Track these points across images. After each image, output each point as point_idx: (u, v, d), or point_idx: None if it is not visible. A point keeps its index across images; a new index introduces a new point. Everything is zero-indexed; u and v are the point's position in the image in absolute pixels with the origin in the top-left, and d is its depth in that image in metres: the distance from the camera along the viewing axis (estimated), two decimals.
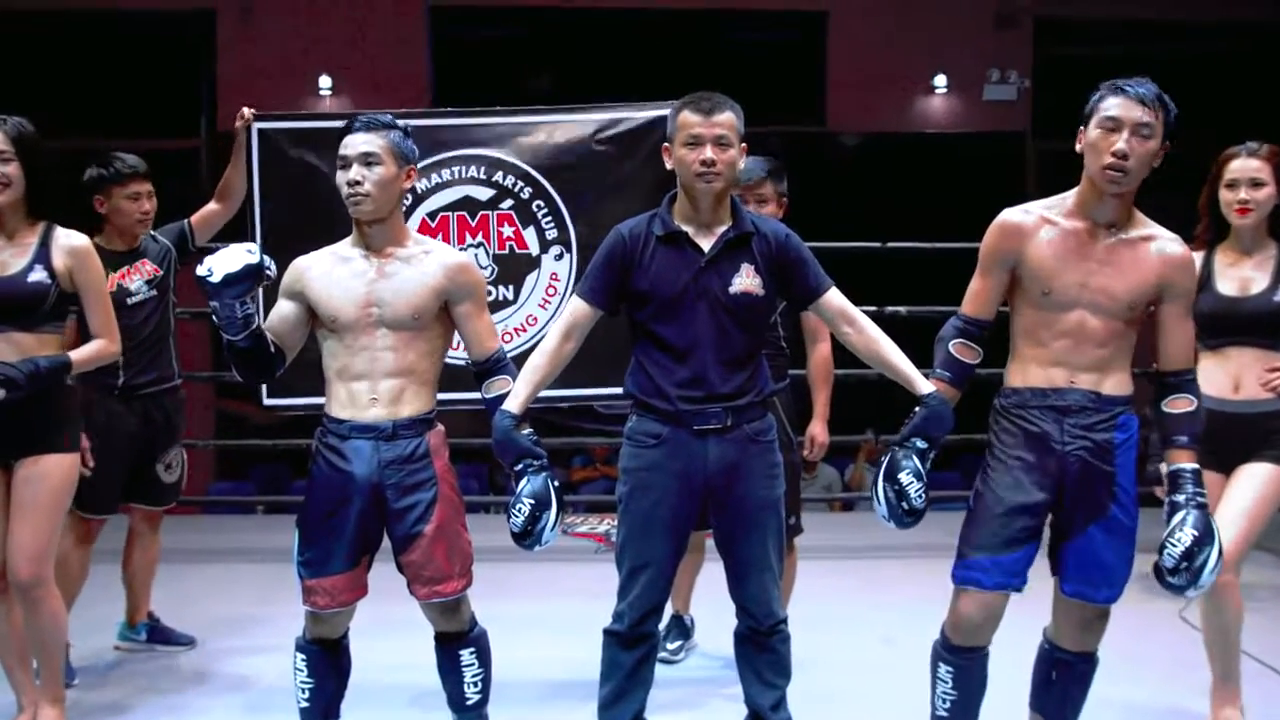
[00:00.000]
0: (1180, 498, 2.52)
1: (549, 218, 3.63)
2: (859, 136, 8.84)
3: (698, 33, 8.63)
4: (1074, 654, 2.64)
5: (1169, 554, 2.47)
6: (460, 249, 3.50)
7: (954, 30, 8.39)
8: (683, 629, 3.88)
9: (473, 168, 3.61)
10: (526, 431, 2.68)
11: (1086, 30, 8.37)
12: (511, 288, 3.63)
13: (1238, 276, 3.00)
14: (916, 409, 2.60)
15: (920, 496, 2.55)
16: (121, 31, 8.47)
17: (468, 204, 3.61)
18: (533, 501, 2.62)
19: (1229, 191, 2.98)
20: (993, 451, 2.61)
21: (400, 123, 2.78)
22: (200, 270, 2.64)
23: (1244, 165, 2.97)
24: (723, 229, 2.68)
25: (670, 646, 3.81)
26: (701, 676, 3.68)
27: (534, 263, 3.65)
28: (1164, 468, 2.60)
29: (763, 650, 2.78)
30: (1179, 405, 2.57)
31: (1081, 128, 2.51)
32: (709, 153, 2.61)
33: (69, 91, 8.29)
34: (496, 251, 3.62)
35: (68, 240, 2.97)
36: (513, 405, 2.68)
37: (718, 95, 2.67)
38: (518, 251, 3.62)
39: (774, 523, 2.74)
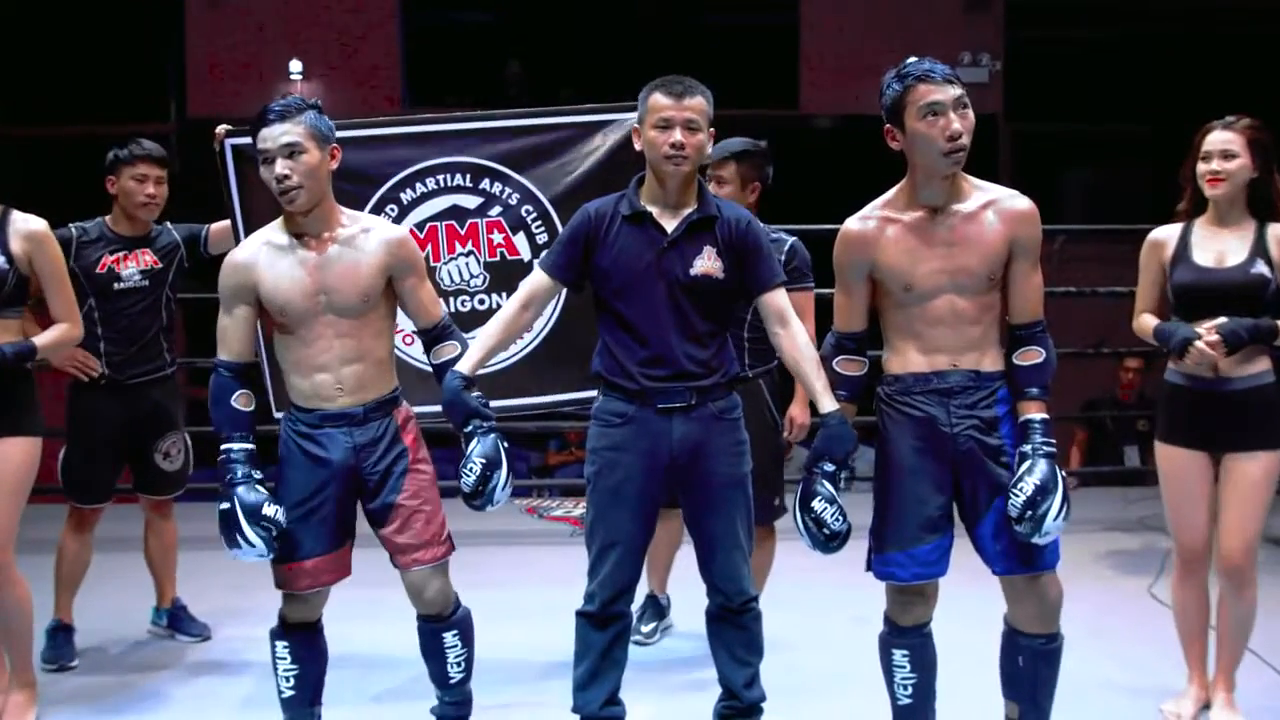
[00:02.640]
0: (1028, 447, 2.53)
1: (539, 222, 3.60)
2: (832, 119, 8.85)
3: (670, 16, 8.61)
4: (1036, 635, 2.62)
5: (1013, 503, 2.48)
6: (450, 258, 3.51)
7: (925, 13, 8.40)
8: (658, 609, 3.89)
9: (458, 175, 3.56)
10: (476, 394, 2.69)
11: (1056, 12, 8.40)
12: (505, 295, 3.53)
13: (1214, 249, 3.01)
14: (819, 431, 2.64)
15: (838, 519, 2.59)
16: (89, 15, 8.37)
17: (456, 213, 3.56)
18: (483, 461, 2.64)
19: (1203, 163, 3.00)
20: (884, 442, 2.63)
21: (313, 101, 2.73)
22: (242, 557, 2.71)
23: (1218, 137, 2.99)
24: (688, 211, 2.70)
25: (644, 629, 3.82)
26: (675, 655, 3.70)
27: (526, 268, 3.57)
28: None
29: (734, 628, 2.80)
30: (1029, 357, 2.59)
31: (889, 125, 2.52)
32: (679, 136, 2.63)
33: (36, 76, 8.19)
34: (487, 259, 3.57)
35: (25, 224, 2.94)
36: (464, 367, 2.70)
37: (688, 79, 2.69)
38: (509, 258, 3.58)
39: (741, 500, 2.77)
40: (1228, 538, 2.99)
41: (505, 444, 2.69)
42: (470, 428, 2.68)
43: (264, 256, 2.74)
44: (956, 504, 2.61)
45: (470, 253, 3.59)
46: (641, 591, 3.91)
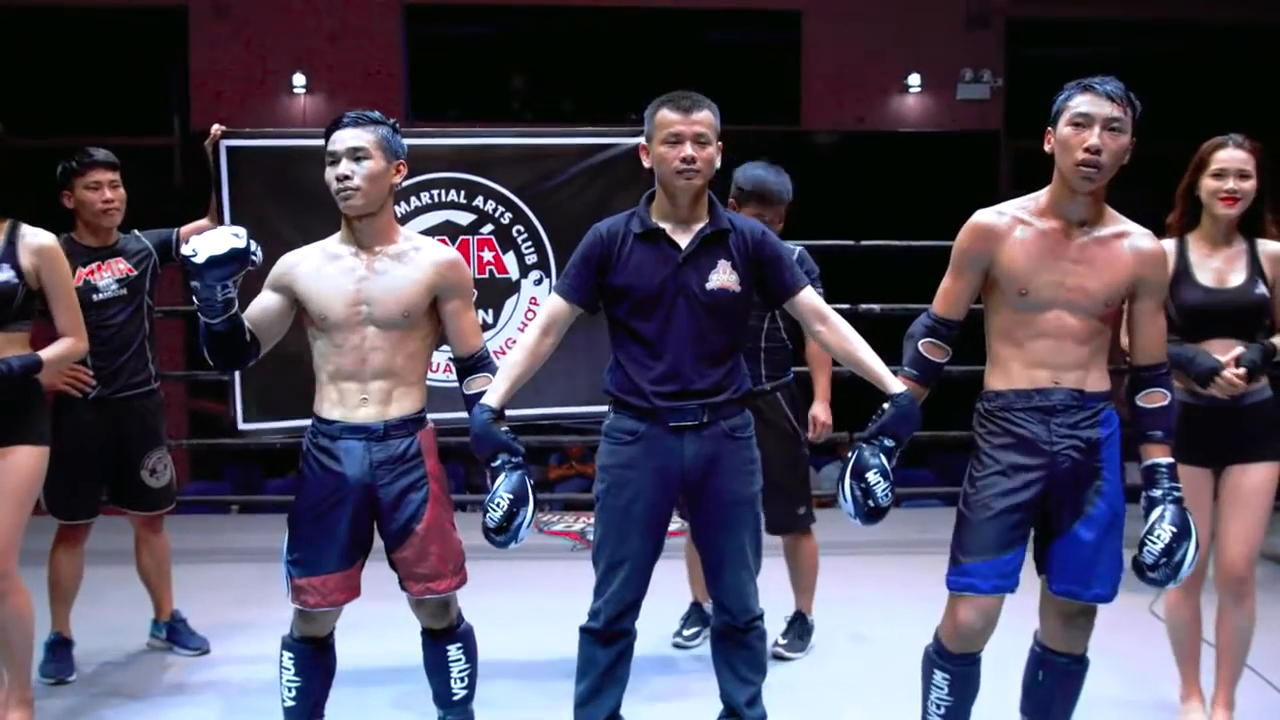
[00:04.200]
0: (1157, 493, 2.53)
1: (529, 243, 3.64)
2: (833, 135, 8.88)
3: (672, 31, 8.64)
4: (1063, 655, 2.63)
5: (1149, 550, 2.48)
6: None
7: (927, 30, 8.44)
8: (701, 616, 3.91)
9: (453, 192, 3.61)
10: (504, 428, 2.69)
11: (1057, 30, 8.44)
12: (491, 312, 3.64)
13: (1212, 268, 3.00)
14: (885, 406, 2.61)
15: (887, 495, 2.56)
16: (95, 28, 8.40)
17: (448, 228, 3.61)
18: (511, 498, 2.62)
19: (1215, 180, 2.97)
20: (979, 456, 2.60)
21: (391, 120, 2.78)
22: (185, 250, 2.62)
23: (1232, 156, 2.96)
24: (700, 226, 2.70)
25: (686, 633, 3.91)
26: (677, 672, 3.69)
27: (513, 287, 3.67)
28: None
29: (739, 646, 2.80)
30: (1154, 399, 2.58)
31: (1050, 128, 2.52)
32: (689, 150, 2.63)
33: (41, 89, 8.22)
34: (476, 276, 3.59)
35: (35, 239, 2.95)
36: (491, 400, 2.69)
37: (695, 94, 2.69)
38: (497, 276, 3.64)
39: (750, 519, 2.76)
40: (1230, 547, 2.98)
41: (531, 480, 2.68)
42: (498, 462, 2.66)
43: (313, 260, 2.77)
44: (1044, 517, 2.59)
45: None
46: (686, 599, 3.97)
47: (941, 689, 2.63)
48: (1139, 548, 2.51)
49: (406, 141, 3.51)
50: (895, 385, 2.61)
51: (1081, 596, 2.56)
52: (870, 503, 2.56)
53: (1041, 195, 2.58)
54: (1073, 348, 2.53)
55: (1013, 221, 2.56)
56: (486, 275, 3.62)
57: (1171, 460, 2.57)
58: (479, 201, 3.62)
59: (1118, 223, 2.57)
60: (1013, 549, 2.53)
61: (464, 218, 3.62)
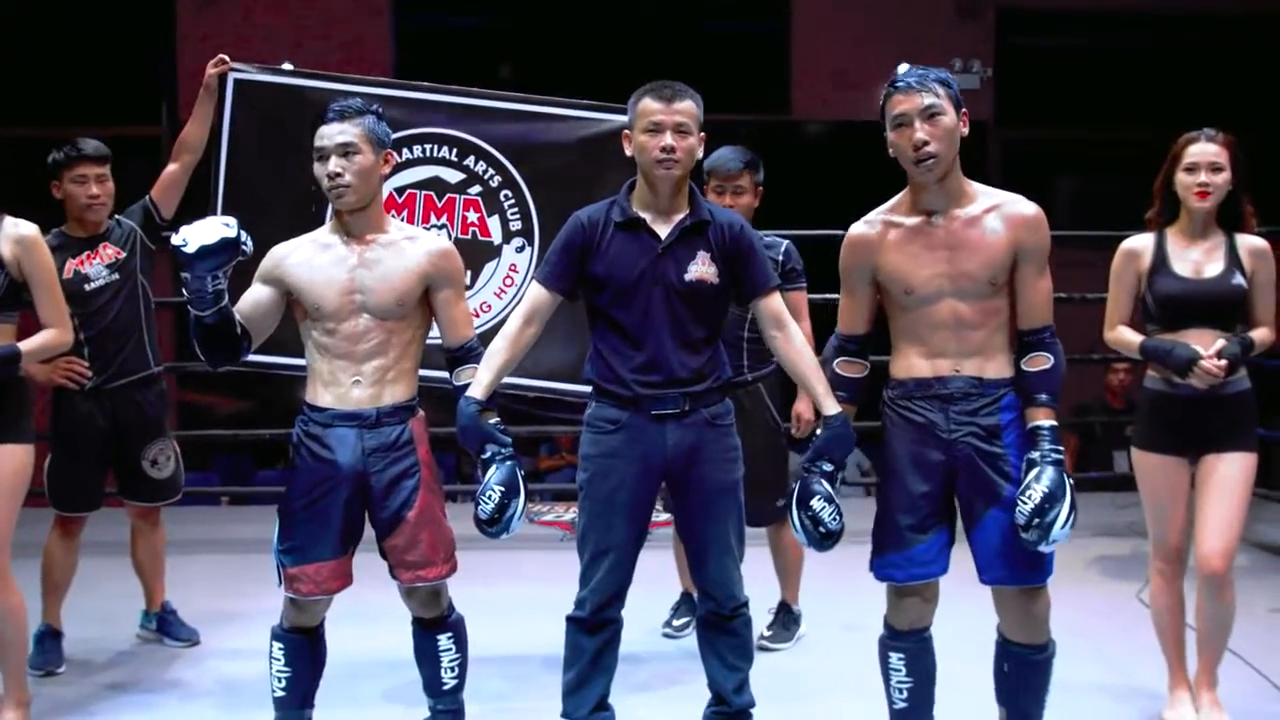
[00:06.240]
0: (1036, 454, 2.52)
1: (515, 208, 3.63)
2: (824, 125, 8.87)
3: (663, 22, 8.62)
4: (1023, 645, 2.63)
5: (1020, 511, 2.47)
6: (424, 229, 3.50)
7: (916, 19, 8.42)
8: (691, 606, 3.91)
9: (445, 149, 3.61)
10: (494, 420, 2.69)
11: (1048, 20, 8.43)
12: (469, 273, 3.61)
13: (1189, 260, 3.03)
14: (818, 431, 2.66)
15: (834, 519, 2.60)
16: (80, 17, 8.35)
17: (436, 184, 3.61)
18: (502, 489, 2.64)
19: (1188, 175, 3.00)
20: (885, 445, 2.65)
21: (373, 107, 2.78)
22: (175, 240, 2.61)
23: (1203, 150, 2.99)
24: (680, 216, 2.70)
25: (676, 623, 3.92)
26: (666, 661, 3.70)
27: (495, 251, 3.66)
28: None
29: (725, 633, 2.81)
30: (1037, 363, 2.58)
31: (886, 134, 2.56)
32: (669, 140, 2.63)
33: (26, 79, 8.17)
34: (459, 236, 3.61)
35: (15, 229, 2.92)
36: (477, 391, 2.69)
37: (678, 84, 2.70)
38: (480, 239, 3.63)
39: (733, 506, 2.77)
40: (1209, 540, 2.98)
41: (522, 471, 2.69)
42: (488, 454, 2.68)
43: (304, 252, 2.77)
44: (959, 508, 2.61)
45: (443, 226, 3.63)
46: (675, 589, 3.98)
47: (900, 671, 2.66)
48: (1000, 510, 2.52)
49: (408, 95, 3.51)
50: (830, 407, 2.65)
51: (1010, 582, 2.56)
52: (820, 530, 2.60)
53: (902, 195, 2.62)
54: (970, 334, 2.56)
55: (884, 227, 2.60)
56: (469, 236, 3.61)
57: (1054, 424, 2.55)
58: (470, 161, 3.61)
59: (986, 198, 2.58)
60: (927, 536, 2.57)
61: (453, 175, 3.62)
